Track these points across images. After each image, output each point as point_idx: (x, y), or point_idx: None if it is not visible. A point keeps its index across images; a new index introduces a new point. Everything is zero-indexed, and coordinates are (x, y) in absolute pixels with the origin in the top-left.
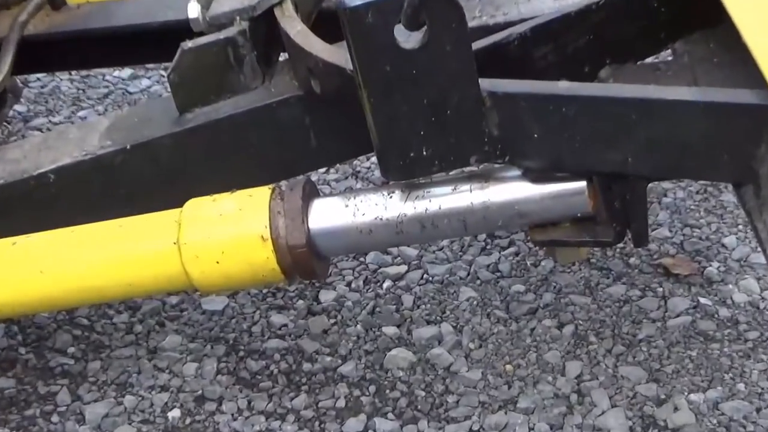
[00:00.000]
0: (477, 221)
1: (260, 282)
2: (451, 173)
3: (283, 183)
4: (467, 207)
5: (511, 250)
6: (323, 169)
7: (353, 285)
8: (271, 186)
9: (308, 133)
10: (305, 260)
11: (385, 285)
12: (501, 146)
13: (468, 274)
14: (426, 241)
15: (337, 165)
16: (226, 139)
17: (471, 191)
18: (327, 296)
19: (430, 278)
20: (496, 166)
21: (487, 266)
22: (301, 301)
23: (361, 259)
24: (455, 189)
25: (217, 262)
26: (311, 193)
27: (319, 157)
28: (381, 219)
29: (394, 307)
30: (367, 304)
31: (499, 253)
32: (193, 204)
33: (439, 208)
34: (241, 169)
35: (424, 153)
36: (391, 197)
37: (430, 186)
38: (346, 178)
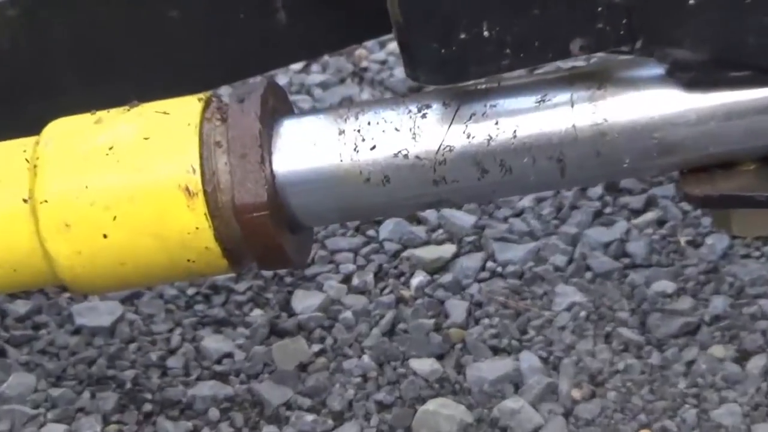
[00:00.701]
0: (584, 160)
1: (182, 272)
2: (534, 72)
3: (226, 91)
4: (566, 133)
5: (650, 216)
6: (298, 66)
7: (355, 281)
8: (203, 95)
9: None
10: (266, 232)
11: (414, 281)
12: (629, 21)
13: (569, 261)
14: (489, 198)
15: (325, 58)
16: (120, 9)
17: (572, 104)
18: (307, 302)
19: (499, 268)
20: (619, 59)
21: (605, 246)
22: (258, 311)
23: (371, 232)
24: (542, 101)
25: (105, 236)
26: (278, 108)
27: (290, 43)
28: (405, 156)
29: (432, 321)
30: (382, 317)
31: (627, 221)
32: (60, 127)
33: (514, 135)
34: (149, 64)
35: (486, 34)
36: (423, 116)
37: (496, 95)
38: (342, 81)
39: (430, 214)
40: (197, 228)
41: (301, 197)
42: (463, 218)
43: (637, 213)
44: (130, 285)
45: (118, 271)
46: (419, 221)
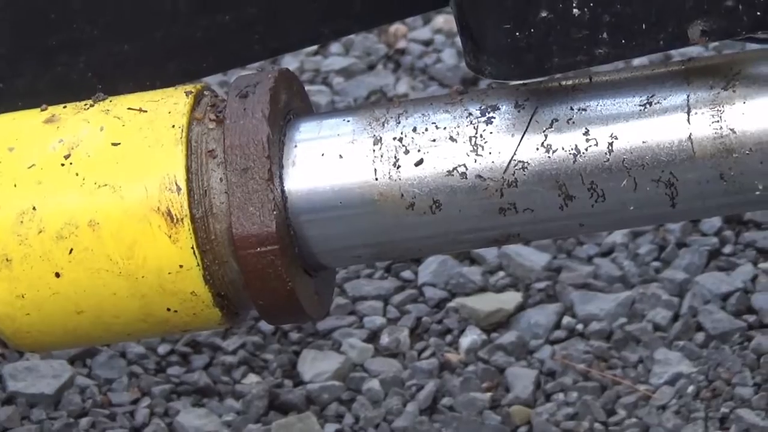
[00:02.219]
0: (702, 185)
1: (159, 325)
2: (634, 63)
3: (224, 81)
4: (680, 148)
5: None
6: (313, 50)
7: (385, 340)
8: (192, 87)
9: None
10: (274, 274)
11: (465, 341)
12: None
13: (674, 318)
14: (574, 233)
15: (353, 37)
16: None
17: (689, 110)
18: (319, 366)
19: (580, 326)
20: (753, 49)
21: (722, 298)
22: (253, 377)
23: (406, 273)
24: (648, 103)
25: (57, 275)
26: (292, 106)
27: (311, 16)
28: (463, 175)
29: (487, 396)
30: (420, 389)
31: (754, 265)
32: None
33: (610, 150)
34: (120, 41)
35: (576, 12)
36: (488, 122)
37: (586, 96)
38: (371, 68)
39: (487, 251)
40: (181, 266)
41: (322, 228)
42: (533, 257)
43: (767, 254)
44: (89, 340)
45: (74, 321)
46: (472, 260)
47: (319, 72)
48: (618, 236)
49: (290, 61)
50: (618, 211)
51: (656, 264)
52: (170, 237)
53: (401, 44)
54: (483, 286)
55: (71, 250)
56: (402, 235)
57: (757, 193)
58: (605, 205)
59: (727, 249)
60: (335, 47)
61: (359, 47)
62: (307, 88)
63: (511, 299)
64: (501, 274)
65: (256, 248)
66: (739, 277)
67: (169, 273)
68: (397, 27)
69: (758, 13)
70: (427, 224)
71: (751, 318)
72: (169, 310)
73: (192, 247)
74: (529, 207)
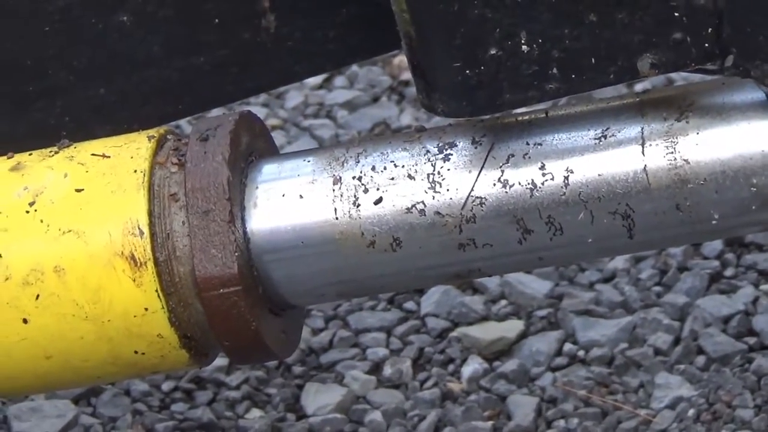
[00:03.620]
0: (659, 216)
1: (128, 368)
2: (585, 100)
3: (186, 125)
4: (635, 180)
5: None
6: (316, 80)
7: (387, 371)
8: (155, 132)
9: (257, 3)
10: (238, 315)
11: (467, 371)
12: (716, 29)
13: (676, 342)
14: (534, 267)
15: (353, 68)
16: (50, 12)
17: (643, 142)
18: (322, 399)
19: (581, 352)
20: (704, 81)
21: (724, 321)
22: (257, 412)
23: (409, 305)
24: (603, 137)
25: (25, 321)
26: (254, 147)
27: (279, 58)
28: (422, 212)
29: (489, 425)
30: (422, 420)
31: (755, 287)
32: None
33: (566, 183)
34: (86, 88)
35: (525, 48)
36: (446, 159)
37: (541, 130)
38: (375, 100)
39: (489, 280)
40: (146, 309)
41: (285, 267)
42: (534, 285)
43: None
44: (59, 384)
45: (44, 366)
46: (475, 290)
47: (323, 106)
48: (620, 262)
49: (294, 96)
50: (576, 244)
51: (657, 289)
52: (134, 281)
53: (405, 76)
54: (485, 315)
55: (38, 296)
56: (364, 273)
57: (714, 222)
58: (563, 238)
59: (729, 272)
60: (339, 80)
61: (363, 80)
62: (311, 122)
63: (513, 327)
64: (503, 302)
65: (219, 290)
66: (740, 300)
67: (135, 316)
68: (401, 59)
69: (706, 45)
70: (389, 262)
71: (752, 340)
72: (136, 352)
73: (156, 290)
74: (489, 242)
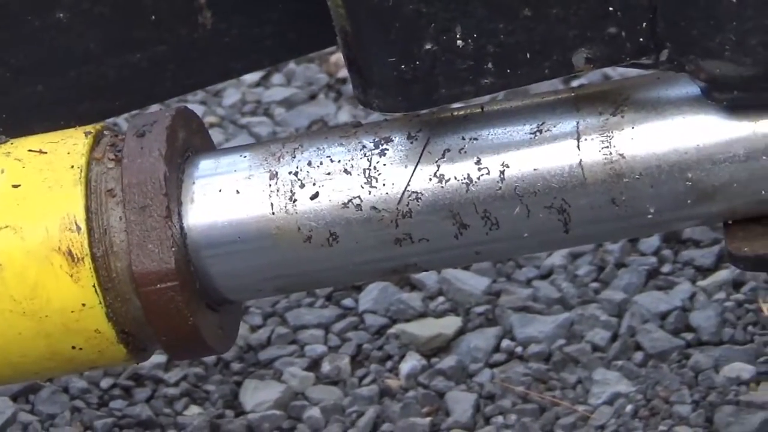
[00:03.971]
0: (594, 211)
1: (66, 363)
2: (521, 95)
3: (124, 122)
4: (570, 174)
5: (722, 276)
6: (254, 77)
7: (326, 368)
8: (92, 128)
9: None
10: (175, 310)
11: (405, 367)
12: (650, 24)
13: (613, 338)
14: (471, 261)
15: (290, 65)
16: None
17: (578, 136)
18: (260, 396)
19: (519, 349)
20: (639, 75)
21: (661, 317)
22: (195, 409)
23: (347, 301)
24: (538, 131)
25: None
26: (191, 143)
27: (217, 54)
28: (358, 207)
29: (427, 421)
30: (360, 416)
31: (692, 284)
32: None
33: (501, 178)
34: (22, 84)
35: (460, 43)
36: (382, 154)
37: (477, 125)
38: (312, 97)
39: (427, 277)
40: (84, 304)
41: (222, 263)
42: (472, 281)
43: (705, 272)
44: None
45: None
46: (413, 286)
47: (260, 103)
48: (557, 258)
49: (232, 93)
50: (513, 239)
51: (595, 285)
52: (72, 276)
53: (342, 73)
54: (423, 312)
55: None
56: (301, 268)
57: (650, 216)
58: (499, 232)
59: (666, 268)
60: (277, 78)
61: (301, 77)
62: (248, 119)
63: (451, 324)
64: (441, 299)
65: (156, 285)
66: (677, 296)
67: (72, 312)
68: (338, 56)
69: (641, 40)
70: (325, 257)
71: (690, 336)
72: (74, 348)
73: (93, 286)
74: (425, 237)
